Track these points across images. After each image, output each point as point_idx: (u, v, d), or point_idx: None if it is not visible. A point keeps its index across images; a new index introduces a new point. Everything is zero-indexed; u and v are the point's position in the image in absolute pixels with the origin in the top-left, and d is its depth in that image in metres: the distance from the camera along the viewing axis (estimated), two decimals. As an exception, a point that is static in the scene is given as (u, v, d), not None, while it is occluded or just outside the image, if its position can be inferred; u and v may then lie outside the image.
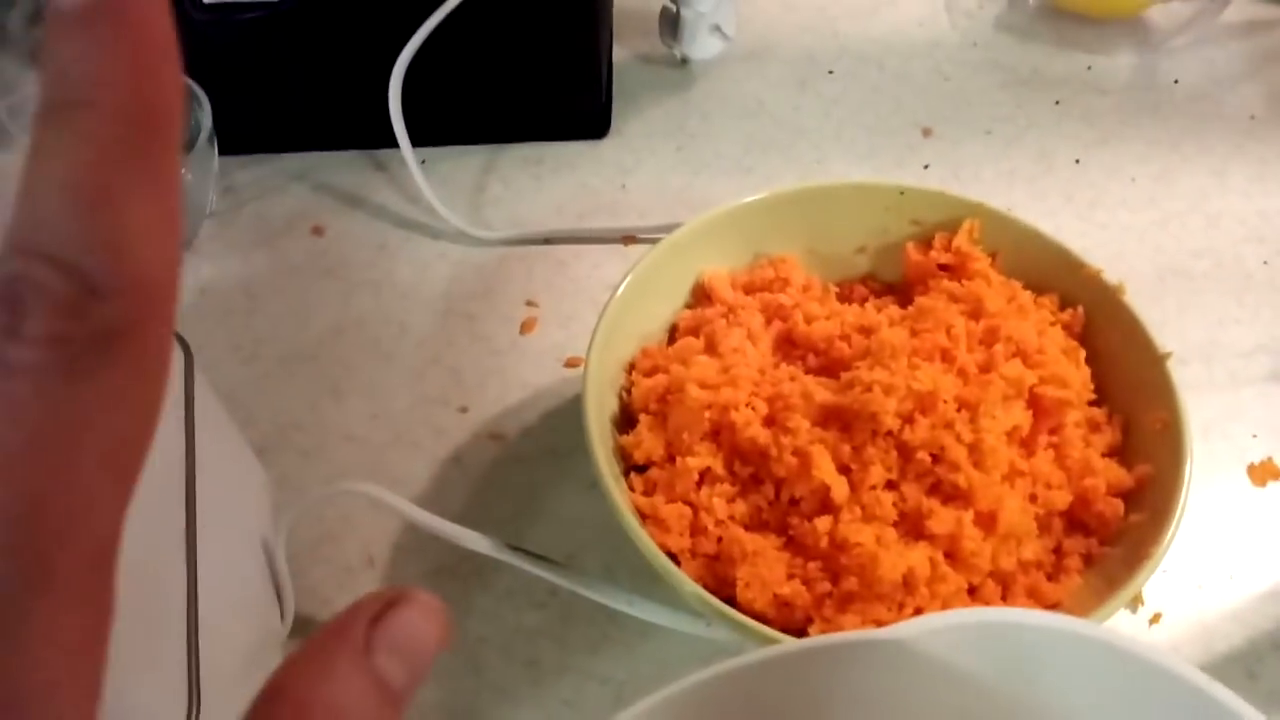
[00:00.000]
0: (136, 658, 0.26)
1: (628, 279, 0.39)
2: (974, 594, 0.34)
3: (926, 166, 0.58)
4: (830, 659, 0.24)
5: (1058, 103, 0.62)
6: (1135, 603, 0.39)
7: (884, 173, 0.57)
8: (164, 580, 0.30)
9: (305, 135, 0.58)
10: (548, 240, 0.55)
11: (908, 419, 0.34)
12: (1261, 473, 0.44)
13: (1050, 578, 0.35)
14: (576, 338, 0.50)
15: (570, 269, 0.53)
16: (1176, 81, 0.63)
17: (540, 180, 0.58)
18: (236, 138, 0.56)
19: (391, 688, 0.14)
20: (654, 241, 0.45)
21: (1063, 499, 0.35)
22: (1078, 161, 0.59)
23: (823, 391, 0.35)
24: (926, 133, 0.60)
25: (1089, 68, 0.64)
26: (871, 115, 0.61)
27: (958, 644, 0.23)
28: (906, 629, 0.23)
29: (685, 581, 0.32)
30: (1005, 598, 0.34)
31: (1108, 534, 0.36)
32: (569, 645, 0.40)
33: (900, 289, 0.44)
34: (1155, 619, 0.40)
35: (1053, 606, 0.34)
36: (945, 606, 0.32)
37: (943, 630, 0.23)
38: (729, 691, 0.24)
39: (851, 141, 0.60)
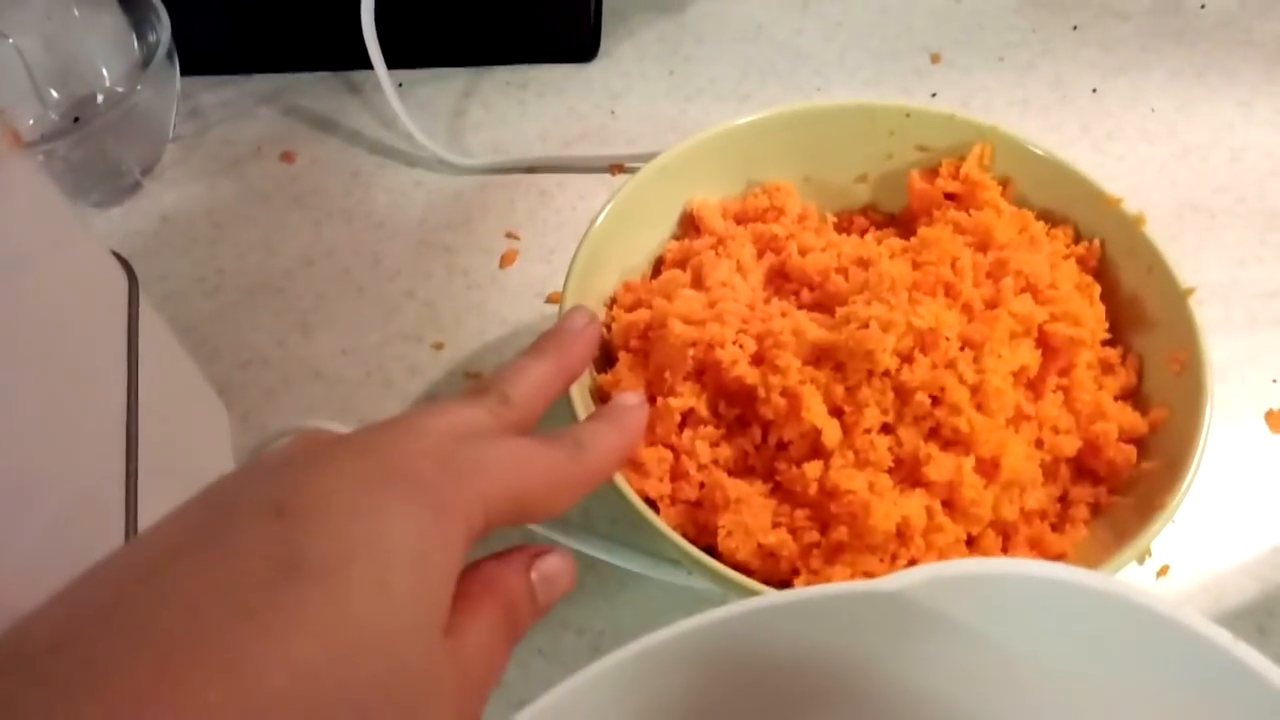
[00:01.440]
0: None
1: (610, 205, 0.36)
2: (973, 545, 0.31)
3: (934, 95, 0.55)
4: (818, 612, 0.22)
5: (1075, 28, 0.58)
6: (1142, 555, 0.37)
7: (889, 99, 0.54)
8: (102, 517, 0.28)
9: (275, 55, 0.55)
10: (531, 169, 0.52)
11: (906, 358, 0.31)
12: (1280, 419, 0.42)
13: (1055, 528, 0.32)
14: (559, 272, 0.47)
15: (554, 199, 0.50)
16: (1203, 6, 0.59)
17: (524, 105, 0.54)
18: (202, 57, 0.53)
19: (537, 599, 0.24)
20: (642, 170, 0.42)
21: (1071, 445, 0.33)
22: (1095, 90, 0.55)
23: (816, 328, 0.32)
24: (935, 58, 0.57)
25: (1110, -10, 0.60)
26: (877, 39, 0.58)
27: (953, 597, 0.21)
28: (899, 580, 0.21)
29: (663, 529, 0.29)
30: (1006, 549, 0.32)
31: (1118, 482, 0.33)
32: (544, 593, 0.38)
33: (903, 220, 0.41)
34: (1163, 571, 0.38)
35: (1057, 558, 0.31)
36: (941, 558, 0.30)
37: (937, 582, 0.21)
38: (709, 644, 0.22)
39: (855, 67, 0.57)
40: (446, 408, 0.24)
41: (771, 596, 0.22)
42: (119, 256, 0.33)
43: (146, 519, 0.29)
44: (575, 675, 0.22)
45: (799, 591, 0.22)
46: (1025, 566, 0.22)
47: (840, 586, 0.22)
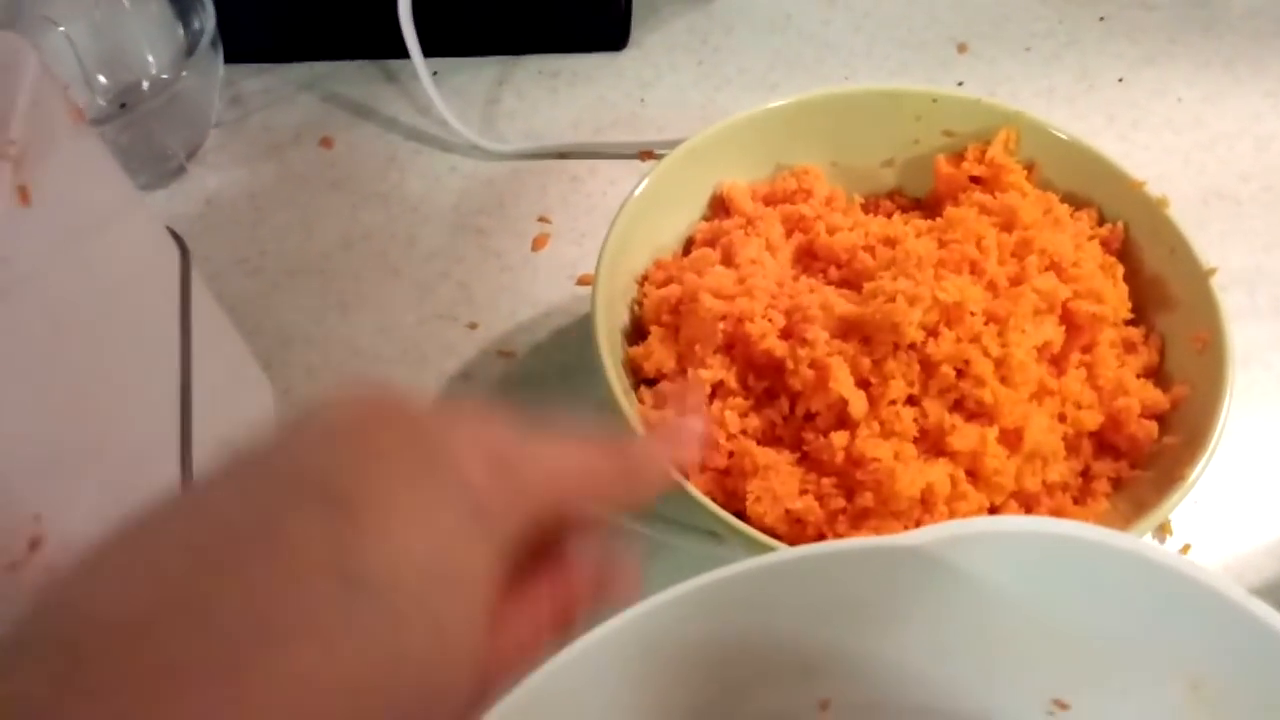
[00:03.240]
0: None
1: (643, 184, 0.37)
2: (995, 514, 0.32)
3: (960, 84, 0.56)
4: (843, 566, 0.23)
5: (1102, 19, 0.59)
6: (1163, 531, 0.38)
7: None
8: (158, 482, 0.29)
9: (314, 44, 0.57)
10: (562, 155, 0.53)
11: (932, 331, 0.32)
12: (1303, 403, 0.42)
13: (1076, 501, 0.33)
14: (589, 255, 0.48)
15: (585, 185, 0.51)
16: (1231, -4, 0.59)
17: (556, 93, 0.55)
18: (244, 45, 0.55)
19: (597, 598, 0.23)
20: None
21: (1093, 420, 0.33)
22: (1121, 80, 0.56)
23: (843, 303, 0.33)
24: (962, 48, 0.57)
25: (1137, -19, 0.61)
26: (904, 29, 0.58)
27: (974, 554, 0.22)
28: (921, 536, 0.22)
29: (696, 495, 0.30)
30: (1029, 520, 0.32)
31: (1139, 457, 0.34)
32: (575, 563, 0.39)
33: (928, 204, 0.42)
34: (1184, 550, 0.39)
35: (1079, 529, 0.32)
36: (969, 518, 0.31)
37: (960, 539, 0.21)
38: (735, 597, 0.23)
39: (883, 58, 0.57)
40: (489, 409, 0.23)
41: (795, 550, 0.23)
42: (173, 232, 0.34)
43: (199, 480, 0.30)
44: (595, 629, 0.22)
45: (822, 546, 0.23)
46: (1045, 524, 0.22)
47: (863, 541, 0.23)
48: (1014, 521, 0.22)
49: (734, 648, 0.24)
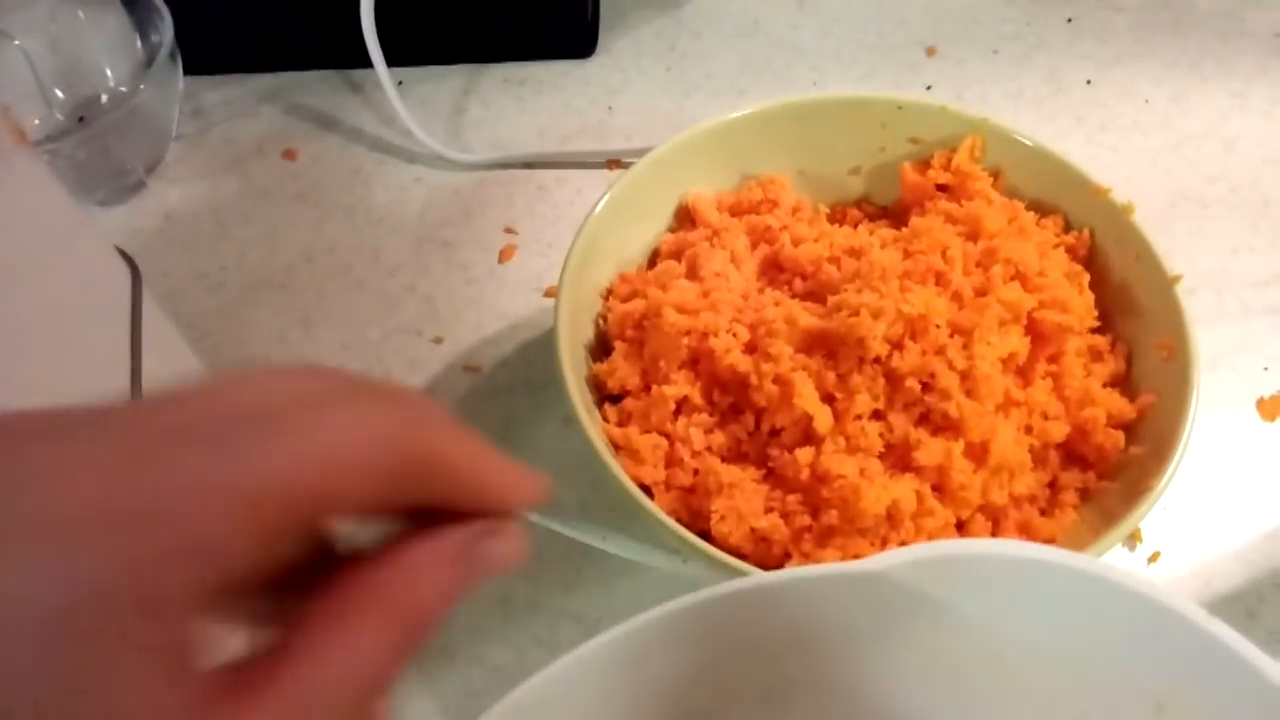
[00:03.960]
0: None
1: (606, 197, 0.37)
2: (963, 529, 0.32)
3: (929, 87, 0.56)
4: (805, 592, 0.22)
5: (1070, 20, 0.59)
6: (1133, 540, 0.38)
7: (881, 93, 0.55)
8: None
9: (276, 54, 0.56)
10: (529, 164, 0.52)
11: (897, 345, 0.32)
12: (1271, 407, 0.42)
13: (1044, 512, 0.33)
14: (556, 266, 0.47)
15: (552, 194, 0.51)
16: (1197, -3, 0.59)
17: (522, 101, 0.55)
18: (204, 57, 0.54)
19: (456, 590, 0.18)
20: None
21: (1060, 430, 0.33)
22: (1089, 82, 0.56)
23: (807, 316, 0.33)
24: (930, 52, 0.57)
25: (1104, -17, 0.61)
26: (872, 33, 0.58)
27: (937, 578, 0.22)
28: (882, 561, 0.21)
29: (657, 514, 0.30)
30: (996, 533, 0.32)
31: (1106, 467, 0.34)
32: (542, 583, 0.38)
33: (896, 212, 0.41)
34: (1154, 557, 0.39)
35: (1046, 542, 0.32)
36: (931, 541, 0.30)
37: (921, 563, 0.21)
38: (694, 625, 0.23)
39: (851, 61, 0.57)
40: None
41: (756, 578, 0.23)
42: (122, 252, 0.33)
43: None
44: (562, 657, 0.22)
45: (784, 573, 0.23)
46: (1005, 547, 0.22)
47: (825, 567, 0.22)
48: (975, 544, 0.22)
49: (700, 674, 0.24)
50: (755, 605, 0.23)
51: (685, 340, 0.34)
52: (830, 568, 0.22)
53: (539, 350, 0.45)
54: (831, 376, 0.32)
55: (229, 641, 0.16)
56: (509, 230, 0.49)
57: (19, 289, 0.26)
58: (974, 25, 0.59)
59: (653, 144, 0.48)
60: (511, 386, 0.44)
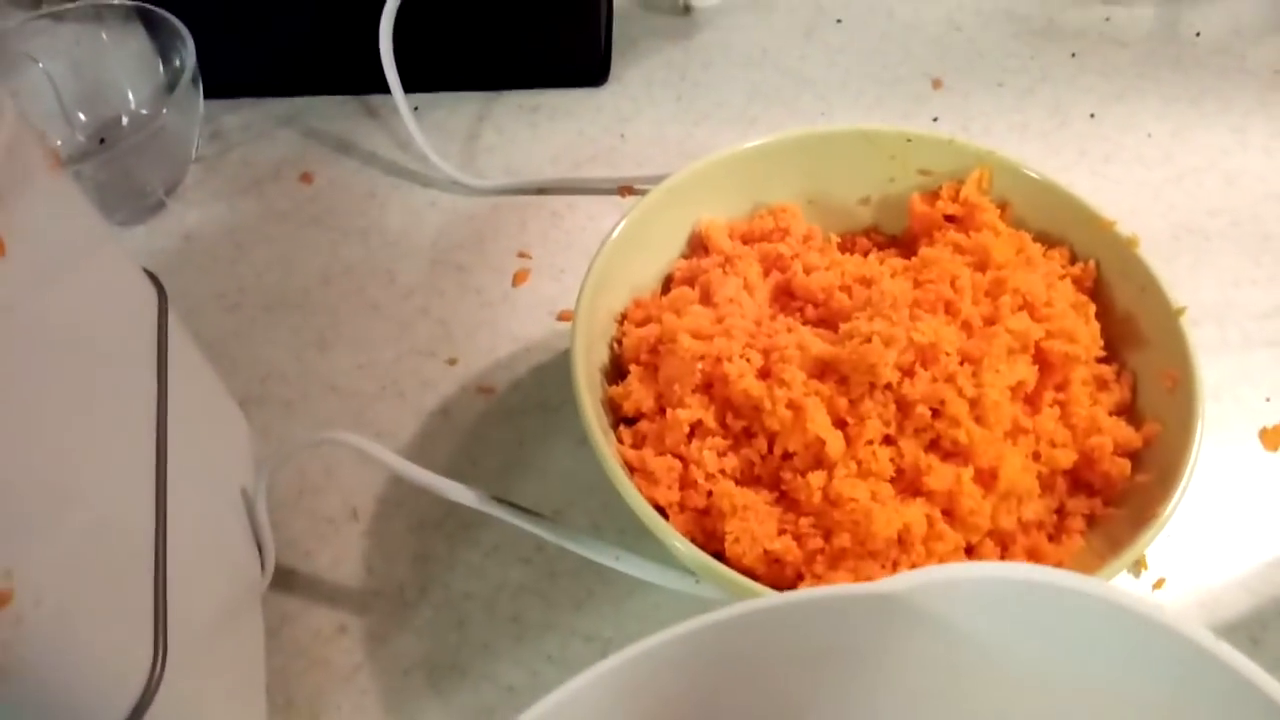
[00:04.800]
0: (101, 607, 0.25)
1: (622, 224, 0.38)
2: (971, 553, 0.32)
3: (935, 119, 0.57)
4: (818, 613, 0.23)
5: (1074, 55, 0.60)
6: (1139, 567, 0.38)
7: (891, 124, 0.56)
8: (132, 528, 0.29)
9: (295, 79, 0.57)
10: (542, 190, 0.53)
11: (908, 372, 0.33)
12: (1273, 437, 0.43)
13: (1052, 538, 0.33)
14: (569, 291, 0.48)
15: (565, 220, 0.52)
16: (1198, 34, 0.60)
17: (536, 128, 0.56)
18: (223, 80, 0.55)
19: None
20: (651, 191, 0.43)
21: (1067, 458, 0.34)
22: (1093, 116, 0.57)
23: (819, 343, 0.34)
24: (936, 84, 0.58)
25: (1107, 19, 0.62)
26: (879, 65, 0.59)
27: (947, 600, 0.22)
28: (895, 584, 0.22)
29: (672, 535, 0.30)
30: (1004, 557, 0.33)
31: (1113, 494, 0.34)
32: (554, 602, 0.39)
33: (904, 242, 0.42)
34: (1159, 584, 0.39)
35: (1054, 567, 0.32)
36: (943, 564, 0.31)
37: (932, 585, 0.22)
38: (707, 647, 0.23)
39: (858, 93, 0.58)
40: None
41: (770, 598, 0.23)
42: (150, 273, 0.34)
43: (175, 529, 0.30)
44: (574, 679, 0.22)
45: (802, 593, 0.23)
46: (1016, 570, 0.23)
47: (841, 588, 0.23)
48: (988, 568, 0.22)
49: (709, 696, 0.24)
50: (768, 626, 0.23)
51: (699, 365, 0.34)
52: (846, 589, 0.22)
53: (552, 372, 0.46)
54: (843, 402, 0.33)
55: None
56: (522, 254, 0.50)
57: (50, 309, 0.27)
58: (979, 58, 0.60)
59: (664, 171, 0.49)
60: (525, 408, 0.44)
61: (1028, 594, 0.22)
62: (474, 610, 0.39)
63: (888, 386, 0.32)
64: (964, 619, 0.22)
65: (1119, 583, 0.38)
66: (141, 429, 0.31)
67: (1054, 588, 0.22)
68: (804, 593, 0.23)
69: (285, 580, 0.39)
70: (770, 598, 0.23)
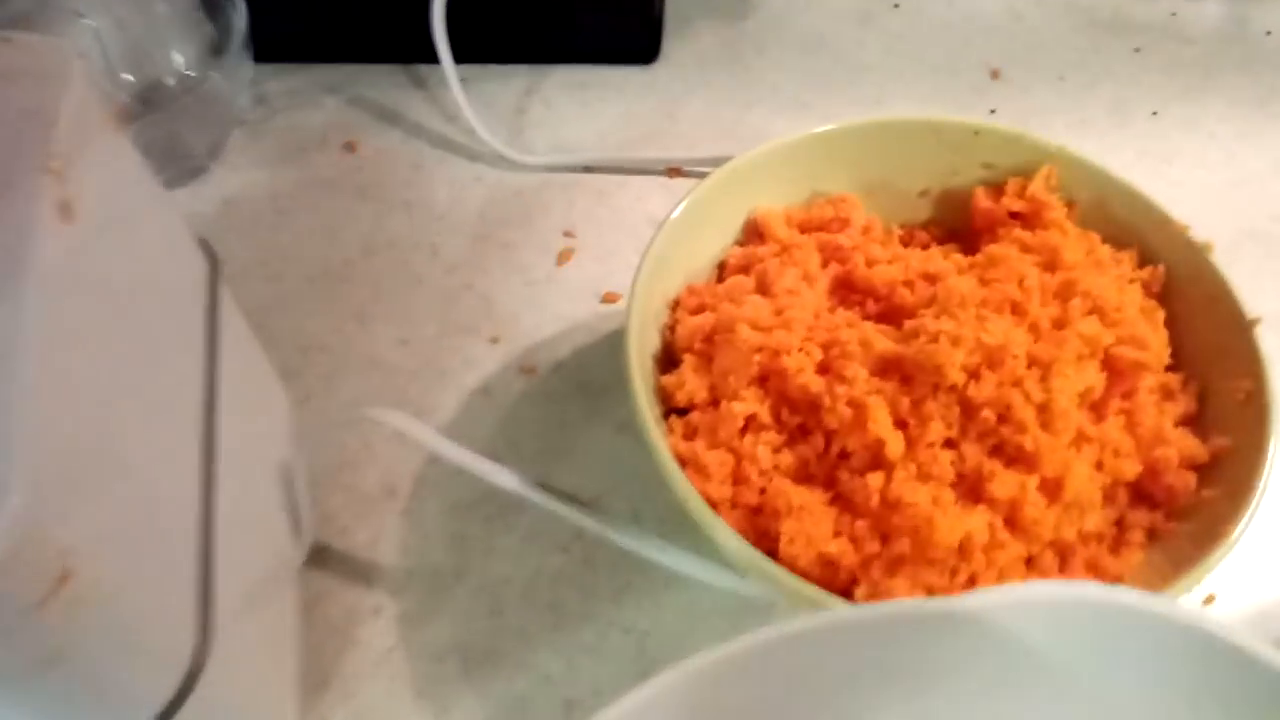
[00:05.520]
0: (150, 584, 0.25)
1: (681, 207, 0.37)
2: (1031, 564, 0.31)
3: (993, 111, 0.55)
4: (892, 629, 0.22)
5: (1137, 50, 0.58)
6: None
7: (948, 114, 0.54)
8: (179, 502, 0.28)
9: (343, 45, 0.56)
10: (589, 168, 0.52)
11: (974, 374, 0.32)
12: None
13: (1111, 551, 0.33)
14: (614, 272, 0.48)
15: (611, 199, 0.51)
16: (1269, 33, 0.59)
17: (585, 105, 0.55)
18: (272, 44, 0.54)
19: None
20: (701, 175, 0.42)
21: (1131, 468, 0.33)
22: (1155, 114, 0.55)
23: (884, 340, 0.33)
24: (995, 75, 0.57)
25: (1173, 14, 0.60)
26: (938, 54, 0.58)
27: (1032, 620, 0.21)
28: (976, 599, 0.21)
29: (727, 532, 0.30)
30: (1064, 569, 0.32)
31: (1175, 508, 0.33)
32: (592, 591, 0.38)
33: (965, 236, 0.41)
34: (1209, 600, 0.38)
35: (1114, 580, 0.31)
36: (1002, 576, 0.30)
37: (1023, 604, 0.21)
38: (777, 659, 0.22)
39: (914, 81, 0.57)
40: None
41: (851, 611, 0.22)
42: (203, 241, 0.33)
43: (220, 504, 0.29)
44: (635, 690, 0.21)
45: (890, 605, 0.22)
46: (1109, 594, 0.22)
47: (919, 603, 0.22)
48: (1080, 588, 0.21)
49: (770, 713, 0.24)
50: (838, 641, 0.23)
51: (757, 357, 0.33)
52: (924, 603, 0.22)
53: (595, 354, 0.45)
54: (905, 402, 0.32)
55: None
56: (568, 234, 0.49)
57: (111, 275, 0.26)
58: (1039, 50, 0.58)
59: (715, 154, 0.48)
60: (567, 390, 0.44)
61: (1116, 619, 0.21)
62: (510, 596, 0.38)
63: (952, 388, 0.31)
64: (1041, 639, 0.22)
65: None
66: (190, 400, 0.30)
67: (1140, 613, 0.21)
68: (882, 606, 0.22)
69: (320, 557, 0.39)
70: (850, 610, 0.22)
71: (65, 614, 0.20)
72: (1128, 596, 0.20)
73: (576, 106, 0.55)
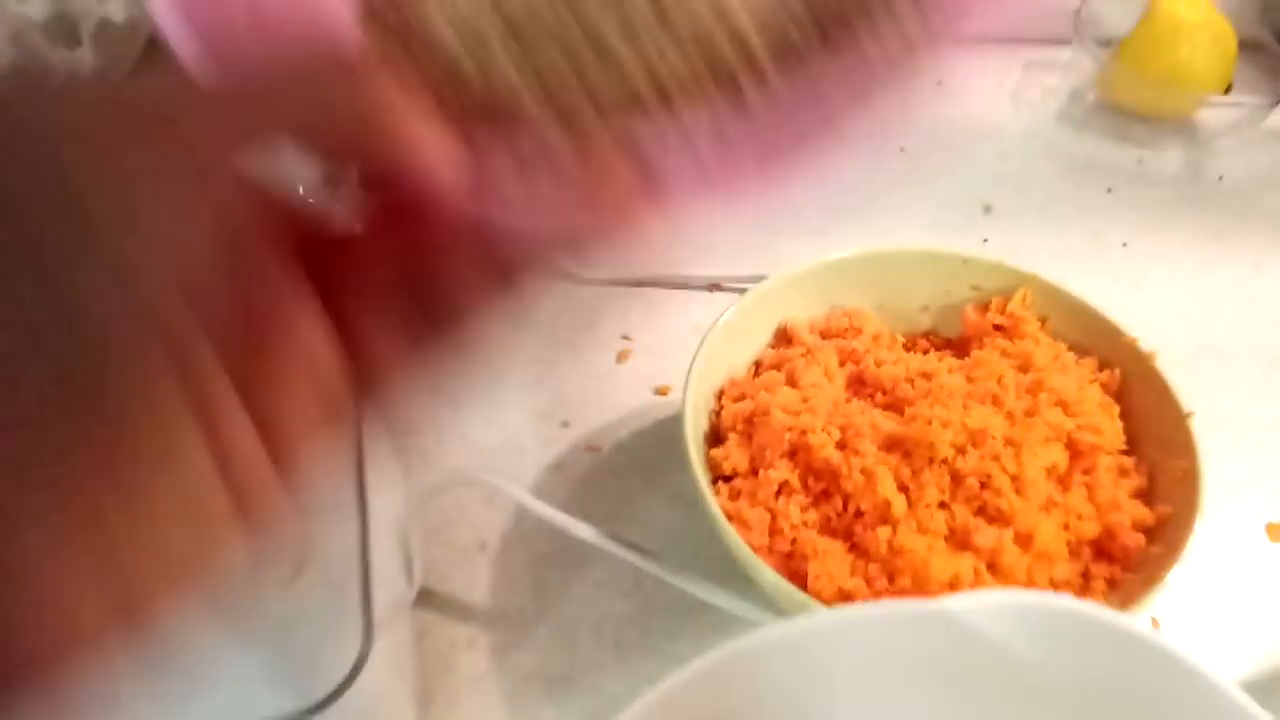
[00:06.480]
0: (340, 583, 0.33)
1: (724, 317, 0.46)
2: (1010, 604, 0.39)
3: (986, 240, 0.65)
4: (876, 626, 0.29)
5: (1110, 190, 0.68)
6: (1153, 626, 0.44)
7: (946, 243, 0.63)
8: (344, 526, 0.37)
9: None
10: (641, 283, 0.62)
11: (961, 450, 0.40)
12: (1279, 530, 0.49)
13: (1078, 595, 0.40)
14: (666, 370, 0.57)
15: (661, 309, 0.60)
16: (1221, 178, 0.69)
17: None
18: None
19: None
20: (739, 290, 0.51)
21: (1092, 529, 0.41)
22: (1125, 244, 0.65)
23: (888, 423, 0.41)
24: (987, 209, 0.67)
25: (1140, 161, 0.70)
26: (938, 190, 0.68)
27: (1001, 619, 0.29)
28: (955, 602, 0.29)
29: (766, 570, 0.38)
30: (1037, 610, 0.39)
31: (1130, 563, 0.41)
32: (651, 631, 0.46)
33: (958, 344, 0.50)
34: (1153, 624, 0.45)
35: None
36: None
37: (988, 607, 0.28)
38: (758, 664, 0.28)
39: (919, 213, 0.67)
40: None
41: (859, 610, 0.29)
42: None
43: (371, 544, 0.38)
44: (646, 693, 0.27)
45: (883, 604, 0.29)
46: (1060, 601, 0.29)
47: (900, 603, 0.29)
48: (1039, 595, 0.28)
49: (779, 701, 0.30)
50: (832, 638, 0.29)
51: (787, 435, 0.42)
52: (905, 603, 0.29)
53: (651, 437, 0.53)
54: (906, 471, 0.40)
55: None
56: (625, 337, 0.59)
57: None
58: (1026, 189, 0.68)
59: (749, 271, 0.57)
60: (628, 466, 0.52)
61: (1063, 619, 0.28)
62: (583, 633, 0.46)
63: (944, 461, 0.40)
64: (1011, 638, 0.29)
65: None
66: (349, 467, 0.39)
67: (1083, 616, 0.28)
68: (880, 605, 0.29)
69: (426, 598, 0.47)
70: (850, 610, 0.29)
71: (300, 593, 0.29)
72: (1076, 604, 0.28)
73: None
